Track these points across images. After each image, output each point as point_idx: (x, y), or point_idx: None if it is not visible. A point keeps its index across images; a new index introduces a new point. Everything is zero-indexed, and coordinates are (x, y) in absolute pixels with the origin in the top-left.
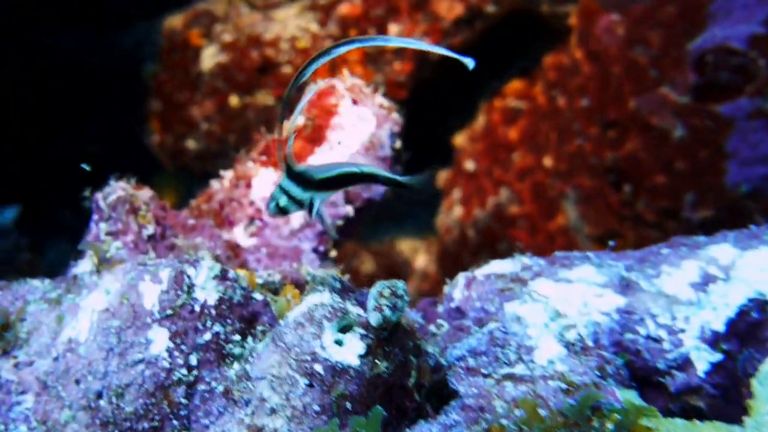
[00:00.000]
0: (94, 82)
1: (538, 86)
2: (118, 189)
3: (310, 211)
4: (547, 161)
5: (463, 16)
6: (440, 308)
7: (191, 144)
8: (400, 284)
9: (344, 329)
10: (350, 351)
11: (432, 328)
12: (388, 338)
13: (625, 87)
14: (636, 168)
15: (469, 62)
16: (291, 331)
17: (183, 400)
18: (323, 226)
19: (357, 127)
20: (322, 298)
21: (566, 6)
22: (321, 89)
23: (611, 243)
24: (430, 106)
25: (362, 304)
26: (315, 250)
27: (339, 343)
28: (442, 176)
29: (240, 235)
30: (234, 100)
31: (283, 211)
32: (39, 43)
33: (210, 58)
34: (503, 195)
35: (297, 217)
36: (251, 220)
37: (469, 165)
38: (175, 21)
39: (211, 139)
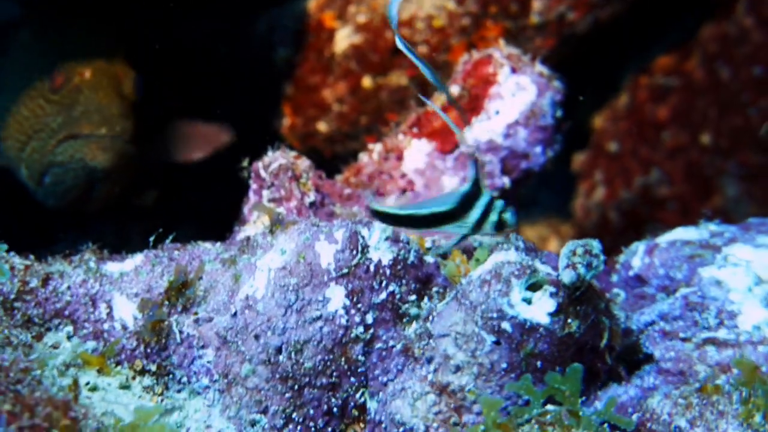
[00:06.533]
0: (225, 70)
1: (692, 61)
2: (279, 157)
3: None
4: (705, 138)
5: None
6: (615, 277)
7: (322, 126)
8: (594, 243)
9: (533, 287)
10: (540, 309)
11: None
12: (579, 298)
13: None
14: None
15: None
16: (476, 288)
17: (361, 358)
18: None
19: (517, 96)
20: (508, 255)
21: None
22: (477, 59)
23: None
24: (568, 84)
25: (549, 264)
26: None
27: (528, 301)
28: (579, 158)
29: None
30: (367, 82)
31: None
32: (172, 34)
33: (343, 39)
34: (652, 175)
35: (449, 190)
36: (403, 191)
37: (612, 146)
38: (308, 4)
39: (343, 121)
